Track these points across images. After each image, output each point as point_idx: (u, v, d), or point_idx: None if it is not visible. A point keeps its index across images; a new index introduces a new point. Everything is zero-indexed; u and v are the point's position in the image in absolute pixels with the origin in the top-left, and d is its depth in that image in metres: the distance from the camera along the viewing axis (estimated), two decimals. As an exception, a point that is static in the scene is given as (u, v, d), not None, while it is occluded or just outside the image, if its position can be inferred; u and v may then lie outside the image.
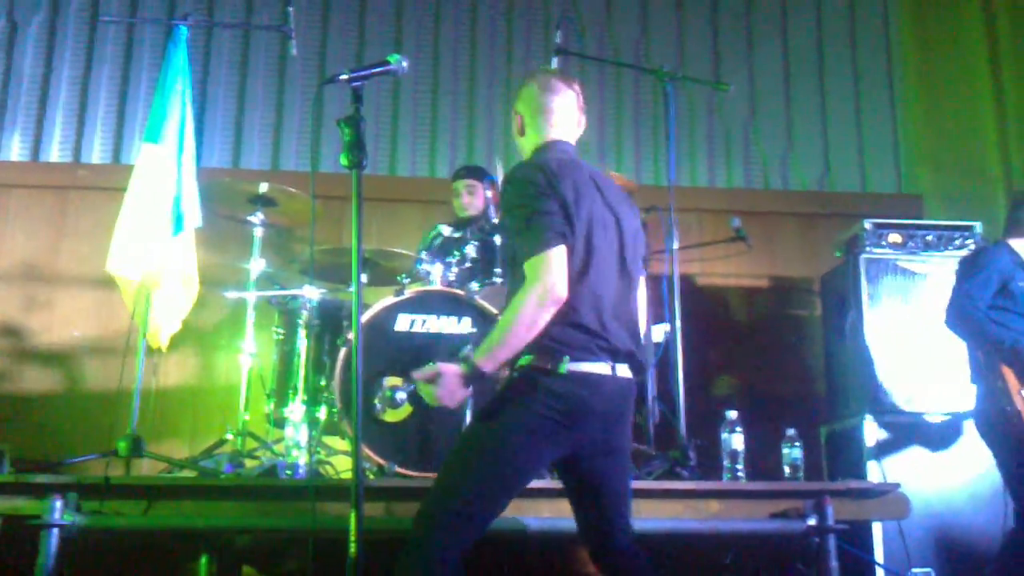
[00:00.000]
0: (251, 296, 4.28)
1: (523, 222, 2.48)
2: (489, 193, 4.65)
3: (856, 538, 3.92)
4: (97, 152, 5.68)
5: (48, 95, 5.73)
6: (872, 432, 4.43)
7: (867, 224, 4.79)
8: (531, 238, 2.44)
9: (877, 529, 4.17)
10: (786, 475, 4.01)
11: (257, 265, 4.33)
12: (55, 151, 5.66)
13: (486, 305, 3.97)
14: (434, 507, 2.40)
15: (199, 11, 5.87)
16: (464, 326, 3.95)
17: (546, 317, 2.41)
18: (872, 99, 6.23)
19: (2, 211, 5.48)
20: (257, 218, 4.36)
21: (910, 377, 4.53)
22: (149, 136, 4.30)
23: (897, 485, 3.81)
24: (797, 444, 4.03)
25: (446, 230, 4.50)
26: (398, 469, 3.67)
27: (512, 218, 2.53)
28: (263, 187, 4.25)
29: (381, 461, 3.67)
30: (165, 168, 4.23)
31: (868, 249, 4.75)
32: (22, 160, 5.62)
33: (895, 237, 4.78)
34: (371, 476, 3.69)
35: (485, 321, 3.91)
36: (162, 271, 4.15)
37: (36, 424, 5.05)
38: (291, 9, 4.59)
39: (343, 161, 2.48)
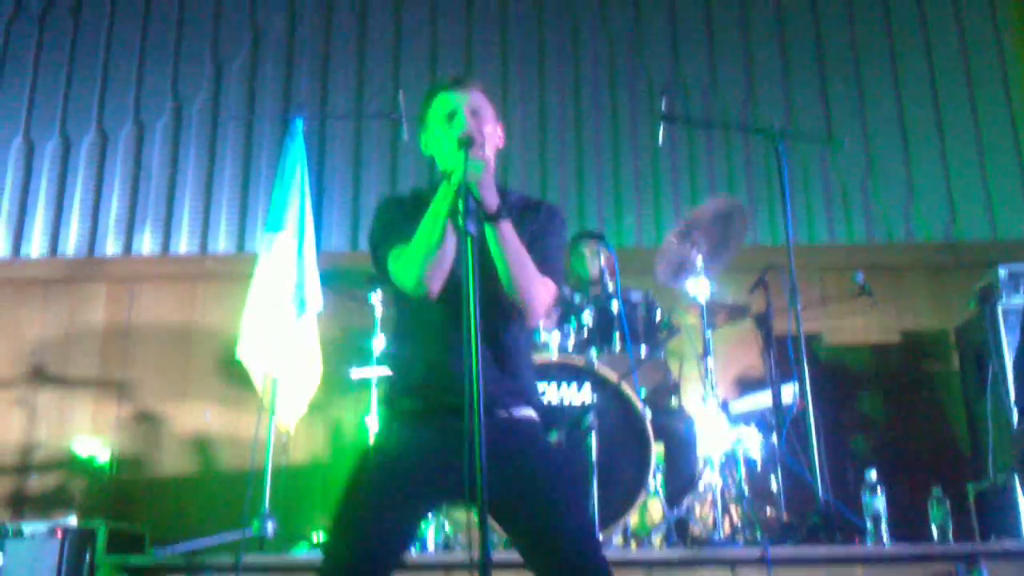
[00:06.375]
0: (374, 373, 4.35)
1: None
2: (603, 257, 4.58)
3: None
4: (223, 242, 5.91)
5: (175, 191, 6.01)
6: (1025, 489, 4.15)
7: (1002, 272, 4.58)
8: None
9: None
10: (935, 537, 3.79)
11: (379, 342, 4.40)
12: (183, 244, 5.92)
13: (606, 372, 3.92)
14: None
15: (313, 104, 6.10)
16: (584, 394, 3.91)
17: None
18: (995, 142, 5.98)
19: (136, 303, 5.72)
20: (377, 297, 4.45)
21: (1061, 429, 4.26)
22: (271, 225, 4.45)
23: (1059, 544, 3.56)
24: (944, 504, 3.81)
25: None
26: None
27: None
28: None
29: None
30: (287, 255, 4.37)
31: (1004, 298, 4.54)
32: (153, 254, 5.89)
33: (1033, 283, 4.56)
34: (503, 548, 3.64)
35: (605, 388, 3.86)
36: (288, 356, 4.27)
37: (173, 507, 5.20)
38: (402, 93, 4.74)
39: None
